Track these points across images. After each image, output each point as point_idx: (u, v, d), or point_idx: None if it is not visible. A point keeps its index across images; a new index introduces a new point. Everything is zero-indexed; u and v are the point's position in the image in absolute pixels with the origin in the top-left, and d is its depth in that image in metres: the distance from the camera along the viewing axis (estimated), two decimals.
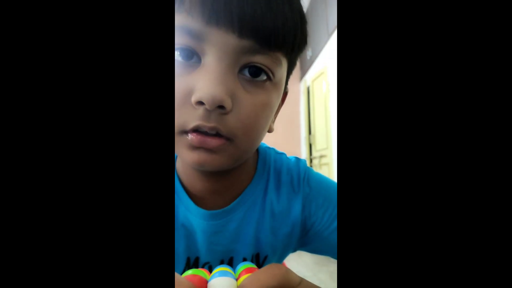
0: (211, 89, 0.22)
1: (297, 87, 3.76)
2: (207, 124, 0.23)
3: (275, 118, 0.32)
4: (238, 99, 0.24)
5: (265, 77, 0.25)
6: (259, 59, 0.24)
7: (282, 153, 0.39)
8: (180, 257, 0.35)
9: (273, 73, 0.26)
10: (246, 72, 0.24)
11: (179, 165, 0.34)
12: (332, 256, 0.37)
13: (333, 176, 2.51)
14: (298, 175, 0.36)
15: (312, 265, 2.35)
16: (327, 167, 2.67)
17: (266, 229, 0.34)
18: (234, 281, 0.22)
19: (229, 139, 0.25)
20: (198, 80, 0.23)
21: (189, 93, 0.23)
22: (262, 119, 0.26)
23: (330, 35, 2.63)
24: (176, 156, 0.35)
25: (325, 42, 2.76)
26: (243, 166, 0.33)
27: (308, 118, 3.39)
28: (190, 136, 0.24)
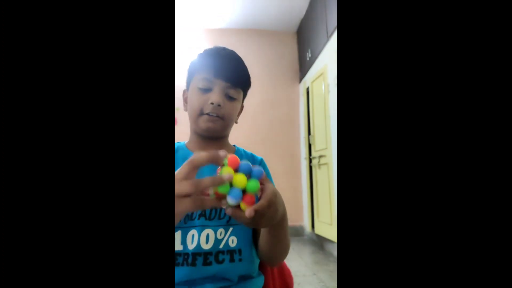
0: (216, 99, 0.60)
1: (297, 88, 3.77)
2: (213, 112, 0.60)
3: (238, 116, 0.69)
4: (225, 104, 0.61)
5: (233, 98, 0.62)
6: (232, 91, 0.62)
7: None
8: None
9: (236, 97, 0.63)
10: (227, 96, 0.62)
11: (190, 144, 0.67)
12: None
13: (333, 176, 2.53)
14: (255, 158, 0.71)
15: (312, 264, 2.36)
16: (326, 167, 2.69)
17: None
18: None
19: (221, 118, 0.61)
20: (211, 96, 0.60)
21: (207, 100, 0.60)
22: (232, 113, 0.63)
23: (329, 36, 2.65)
24: (184, 144, 0.67)
25: (324, 44, 2.78)
26: (226, 143, 0.68)
27: (308, 118, 3.41)
28: (208, 116, 0.60)
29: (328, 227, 2.60)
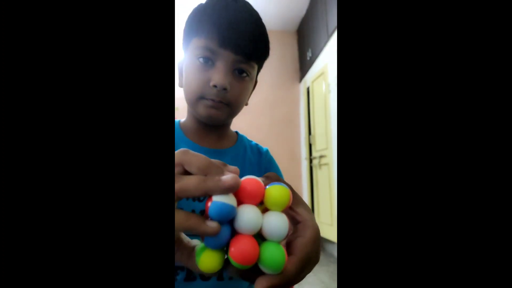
0: (221, 81, 0.43)
1: (297, 87, 3.76)
2: (217, 98, 0.44)
3: (249, 97, 0.54)
4: (233, 86, 0.45)
5: (245, 75, 0.46)
6: (243, 66, 0.45)
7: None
8: None
9: (250, 73, 0.47)
10: (236, 72, 0.45)
11: (185, 125, 0.53)
12: None
13: (333, 176, 2.51)
14: (260, 149, 0.60)
15: None
16: (327, 167, 2.68)
17: (247, 172, 0.51)
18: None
19: (226, 104, 0.45)
20: (214, 75, 0.43)
21: (208, 80, 0.44)
22: (242, 96, 0.47)
23: (329, 36, 2.63)
24: (178, 122, 0.53)
25: (325, 43, 2.76)
26: (227, 131, 0.56)
27: (308, 118, 3.39)
28: (209, 101, 0.44)
29: (328, 227, 2.59)
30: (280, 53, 3.72)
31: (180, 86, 0.50)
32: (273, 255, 0.21)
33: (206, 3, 0.46)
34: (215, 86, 0.43)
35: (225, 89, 0.43)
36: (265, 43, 0.47)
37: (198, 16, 0.45)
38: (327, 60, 2.75)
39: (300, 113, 3.75)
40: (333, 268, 2.27)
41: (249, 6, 0.46)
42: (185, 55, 0.48)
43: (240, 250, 0.20)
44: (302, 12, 3.48)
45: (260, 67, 0.51)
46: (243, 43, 0.42)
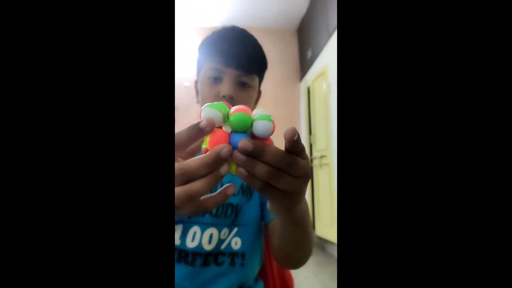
0: (228, 91, 0.54)
1: (297, 87, 3.75)
2: None
3: (255, 104, 0.64)
4: (238, 95, 0.56)
5: (247, 85, 0.57)
6: (245, 78, 0.56)
7: None
8: None
9: (251, 84, 0.58)
10: (240, 84, 0.57)
11: None
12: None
13: (334, 176, 2.51)
14: None
15: (312, 266, 2.34)
16: (328, 167, 2.67)
17: None
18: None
19: None
20: (222, 88, 0.55)
21: (218, 93, 0.55)
22: (247, 103, 0.57)
23: (330, 35, 2.62)
24: None
25: (325, 42, 2.75)
26: None
27: (309, 118, 3.38)
28: None
29: (329, 228, 2.58)
30: (280, 52, 3.71)
31: (198, 102, 0.62)
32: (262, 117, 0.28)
33: (211, 35, 0.59)
34: (224, 96, 0.54)
35: (232, 97, 0.55)
36: (260, 58, 0.60)
37: (206, 46, 0.59)
38: (327, 59, 2.74)
39: (300, 113, 3.74)
40: (334, 269, 2.26)
41: (244, 32, 0.59)
42: (199, 77, 0.59)
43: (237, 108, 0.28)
44: (303, 11, 3.47)
45: (261, 78, 0.62)
46: (242, 61, 0.55)
